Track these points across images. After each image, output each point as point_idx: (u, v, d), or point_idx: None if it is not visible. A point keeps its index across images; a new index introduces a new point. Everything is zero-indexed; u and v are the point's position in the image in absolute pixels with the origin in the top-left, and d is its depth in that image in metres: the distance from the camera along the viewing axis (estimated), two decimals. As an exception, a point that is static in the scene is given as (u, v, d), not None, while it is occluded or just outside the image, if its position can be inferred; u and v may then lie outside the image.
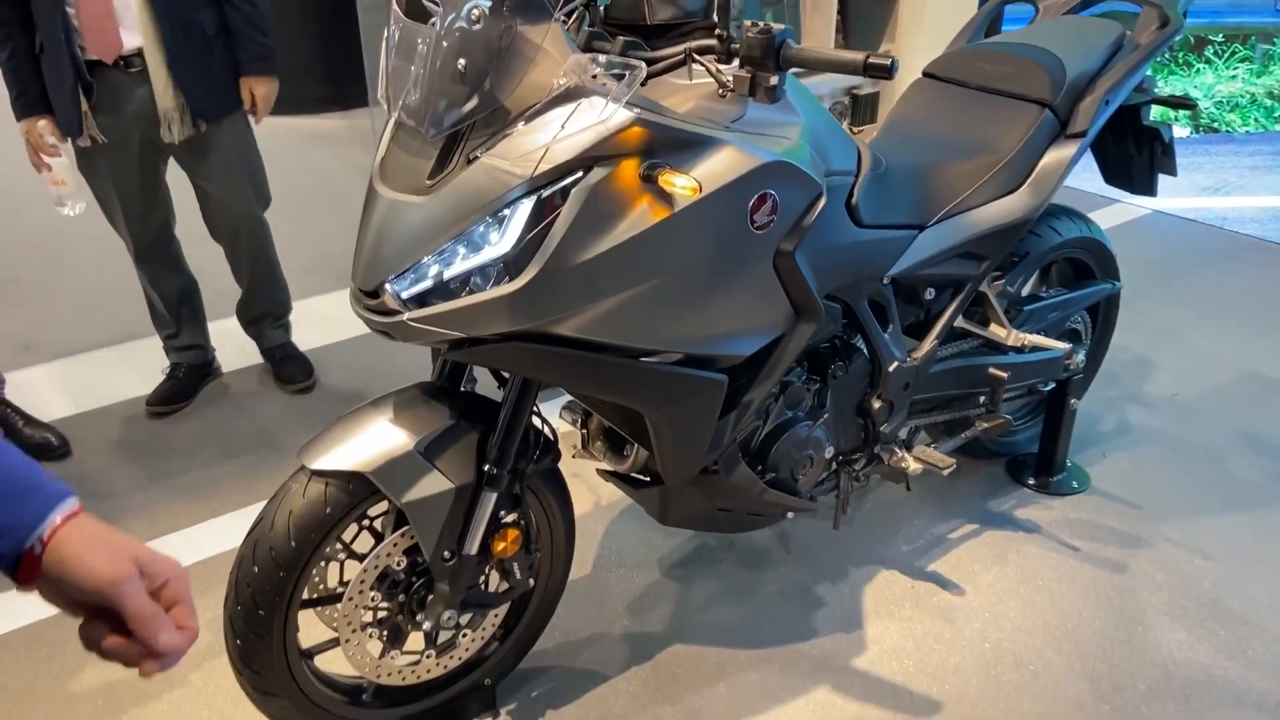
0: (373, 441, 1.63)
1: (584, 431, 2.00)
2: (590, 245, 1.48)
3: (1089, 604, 2.22)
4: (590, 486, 2.58)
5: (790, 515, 2.07)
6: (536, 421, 1.78)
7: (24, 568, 0.77)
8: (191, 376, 3.01)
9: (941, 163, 2.12)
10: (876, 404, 2.09)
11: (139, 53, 2.52)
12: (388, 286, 1.53)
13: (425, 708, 1.87)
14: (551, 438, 1.81)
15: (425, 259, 1.50)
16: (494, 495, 1.69)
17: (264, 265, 2.97)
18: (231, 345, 3.17)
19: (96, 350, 3.33)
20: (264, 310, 3.05)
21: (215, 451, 2.78)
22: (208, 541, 2.41)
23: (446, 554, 1.69)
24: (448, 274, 1.50)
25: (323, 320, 3.45)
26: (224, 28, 2.61)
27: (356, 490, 1.63)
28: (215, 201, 2.81)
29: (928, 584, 2.28)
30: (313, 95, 5.90)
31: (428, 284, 1.51)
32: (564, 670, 2.04)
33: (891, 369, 2.07)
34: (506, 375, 1.72)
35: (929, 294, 2.17)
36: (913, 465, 2.16)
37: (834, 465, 2.13)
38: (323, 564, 1.78)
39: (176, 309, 2.95)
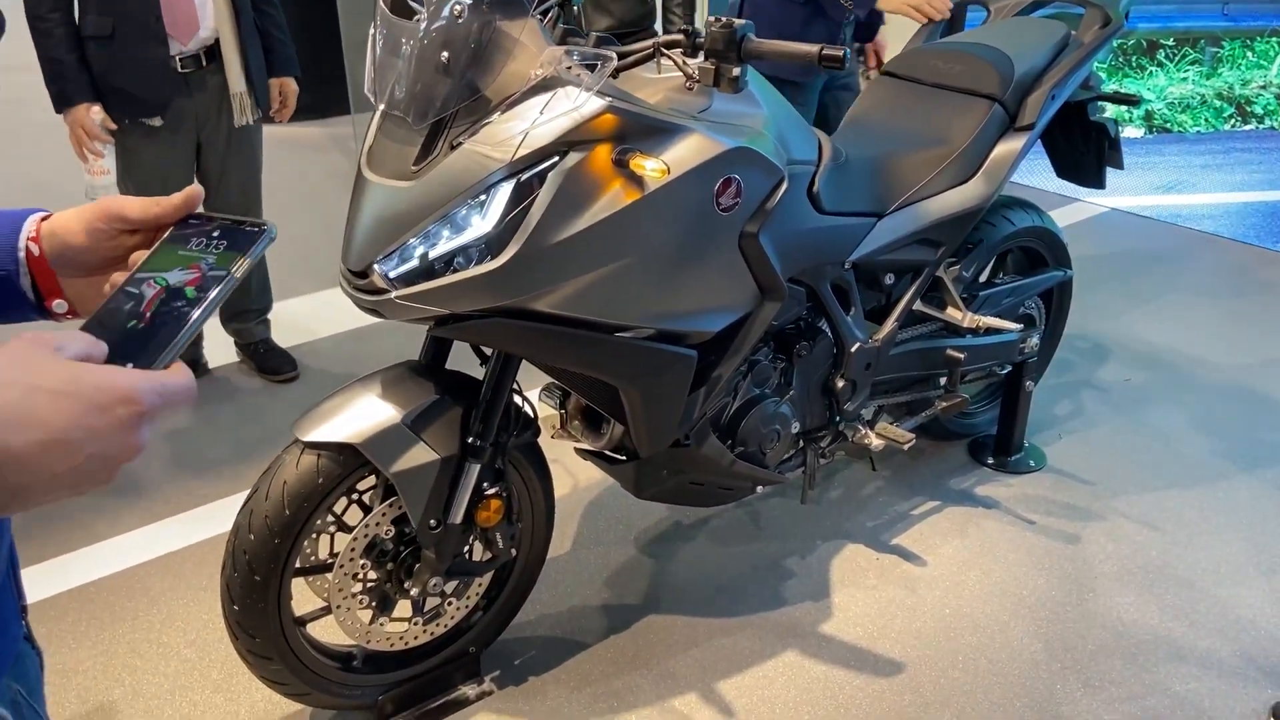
0: (362, 415, 1.72)
1: (562, 412, 2.10)
2: (566, 225, 1.58)
3: (1043, 572, 2.34)
4: (569, 470, 2.68)
5: (759, 489, 2.17)
6: (517, 399, 1.87)
7: (38, 279, 0.81)
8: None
9: (899, 154, 2.24)
10: (840, 383, 2.21)
11: (211, 43, 2.73)
12: (375, 267, 1.62)
13: (413, 674, 1.95)
14: (532, 414, 1.91)
15: (411, 240, 1.60)
16: (477, 466, 1.78)
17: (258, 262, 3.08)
18: (214, 344, 3.25)
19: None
20: (249, 305, 3.13)
21: (208, 439, 2.85)
22: (203, 525, 2.48)
23: (433, 522, 1.78)
24: (432, 254, 1.59)
25: (302, 319, 3.53)
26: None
27: (347, 461, 1.72)
28: (222, 196, 2.93)
29: (892, 556, 2.39)
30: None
31: (413, 264, 1.61)
32: (545, 639, 2.13)
33: (854, 350, 2.19)
34: (488, 352, 1.82)
35: (889, 279, 2.29)
36: (875, 441, 2.27)
37: (800, 442, 2.24)
38: (314, 535, 1.87)
39: None
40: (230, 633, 1.75)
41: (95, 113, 2.61)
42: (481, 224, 1.58)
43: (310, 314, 3.56)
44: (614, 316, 1.68)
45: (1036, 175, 4.88)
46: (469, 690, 2.00)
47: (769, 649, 2.11)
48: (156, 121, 2.71)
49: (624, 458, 2.04)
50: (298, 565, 1.79)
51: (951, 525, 2.51)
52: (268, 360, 3.16)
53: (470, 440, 1.77)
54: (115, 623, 2.18)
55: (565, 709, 1.96)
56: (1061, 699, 2.00)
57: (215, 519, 2.50)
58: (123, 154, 2.76)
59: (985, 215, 2.46)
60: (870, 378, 2.25)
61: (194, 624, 2.18)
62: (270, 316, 3.23)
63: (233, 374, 3.21)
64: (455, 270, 1.60)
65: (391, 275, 1.62)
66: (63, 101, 2.61)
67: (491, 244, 1.58)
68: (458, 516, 1.79)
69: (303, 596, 1.98)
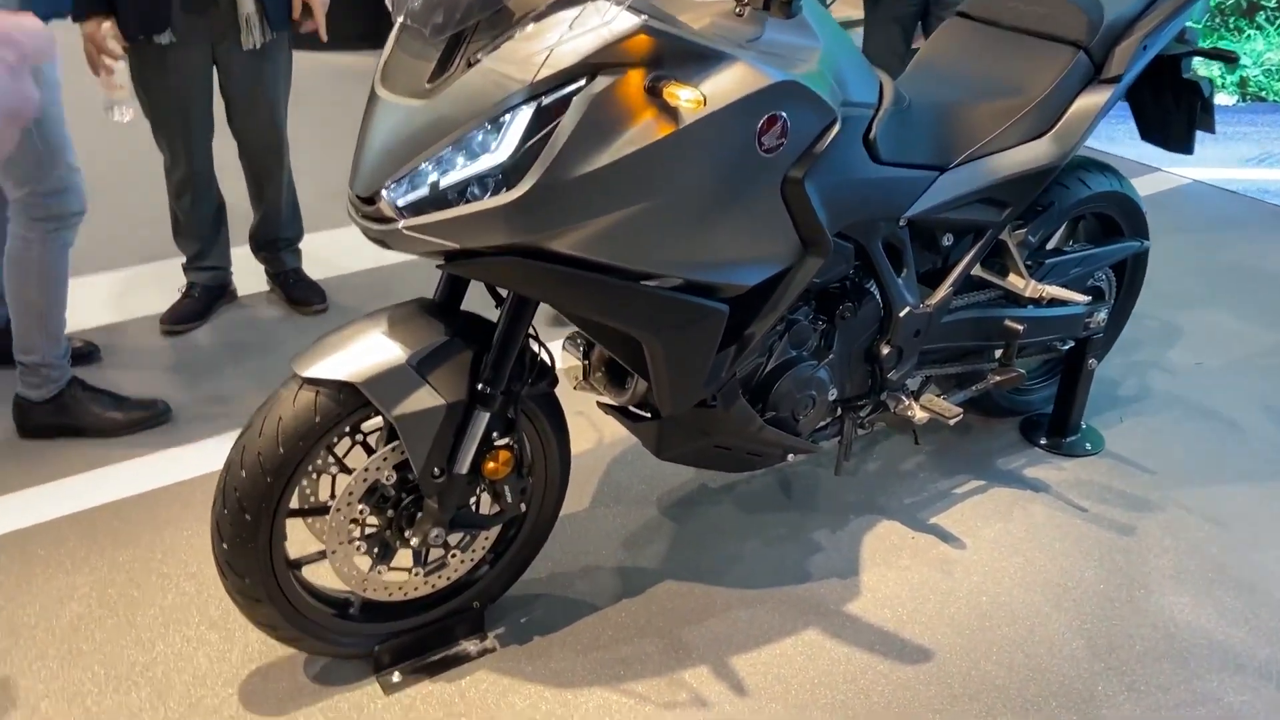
0: (365, 353, 1.61)
1: (586, 363, 1.98)
2: (590, 158, 1.44)
3: (1092, 565, 2.18)
4: (594, 424, 2.56)
5: (789, 457, 2.04)
6: (534, 345, 1.75)
7: None
8: (207, 297, 3.02)
9: (967, 103, 2.05)
10: (885, 350, 2.05)
11: None
12: (384, 193, 1.51)
13: (412, 625, 1.86)
14: (549, 363, 1.79)
15: (422, 165, 1.47)
16: (486, 415, 1.67)
17: (285, 188, 2.99)
18: (243, 271, 3.16)
19: (123, 268, 3.34)
20: (279, 234, 3.04)
21: (230, 368, 2.78)
22: (217, 455, 2.41)
23: (436, 471, 1.67)
24: (444, 182, 1.47)
25: (337, 252, 3.44)
26: None
27: (347, 401, 1.62)
28: (249, 119, 2.83)
29: (928, 536, 2.25)
30: (349, 31, 5.85)
31: (423, 192, 1.48)
32: (554, 599, 2.03)
33: (902, 314, 2.03)
34: (504, 293, 1.69)
35: (947, 239, 2.12)
36: (919, 414, 2.12)
37: (838, 410, 2.10)
38: (314, 475, 1.78)
39: (207, 229, 2.95)
40: (219, 571, 1.67)
41: (107, 28, 2.53)
42: (497, 151, 1.44)
43: (345, 247, 3.46)
44: (639, 263, 1.55)
45: (1113, 139, 4.60)
46: (470, 646, 1.90)
47: (789, 625, 1.99)
48: (166, 38, 2.61)
49: (648, 415, 1.91)
50: (294, 506, 1.70)
51: (996, 507, 2.35)
52: (296, 290, 3.07)
53: (480, 387, 1.65)
54: (116, 549, 2.12)
55: (569, 673, 1.86)
56: (1102, 701, 1.86)
57: (229, 449, 2.43)
58: (137, 71, 2.69)
59: (1059, 176, 2.26)
60: (919, 345, 2.09)
61: (196, 557, 2.11)
62: (301, 246, 3.14)
63: (260, 303, 3.13)
64: (468, 201, 1.47)
65: (400, 203, 1.49)
66: (76, 12, 2.53)
67: (508, 174, 1.45)
68: (463, 466, 1.69)
69: (302, 538, 1.89)
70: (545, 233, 1.46)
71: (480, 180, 1.46)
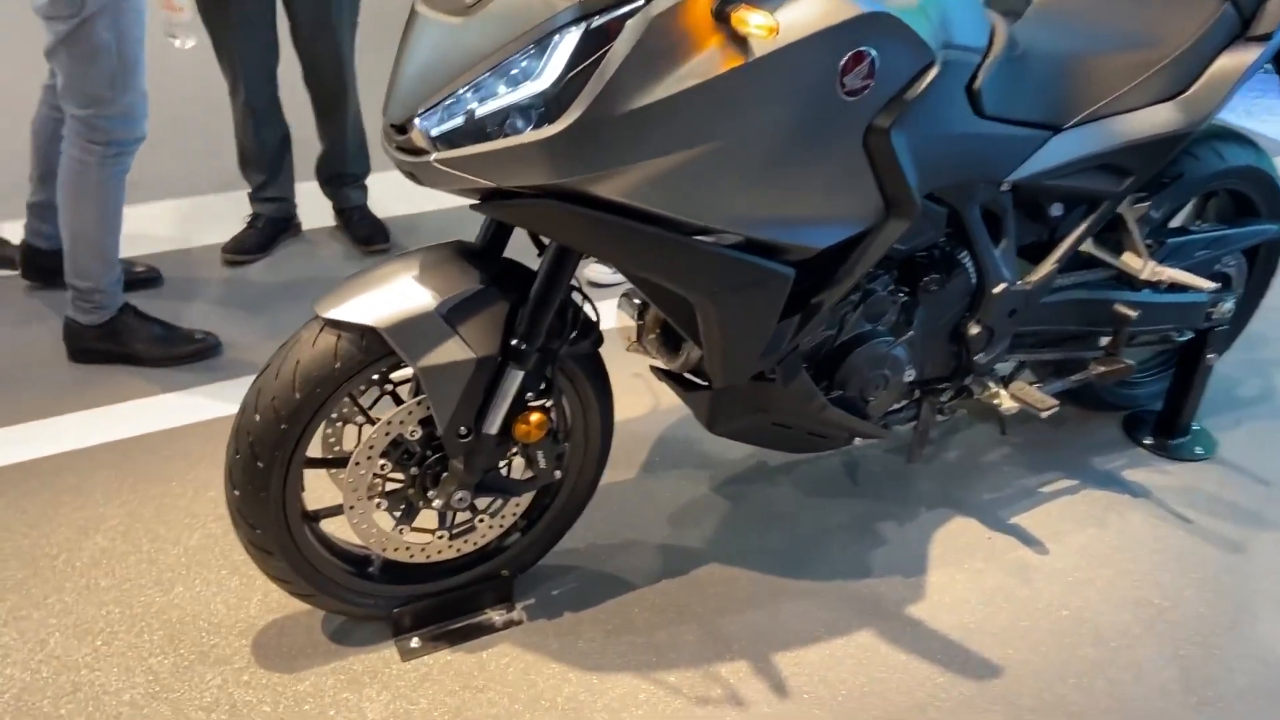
0: (393, 297, 1.48)
1: (640, 323, 1.82)
2: (644, 90, 1.27)
3: (1193, 583, 1.94)
4: (651, 387, 2.40)
5: (856, 441, 1.85)
6: (577, 299, 1.60)
7: None
8: (271, 229, 2.95)
9: (1092, 54, 1.80)
10: (974, 329, 1.84)
11: None
12: (416, 122, 1.36)
13: (435, 590, 1.75)
14: (594, 319, 1.63)
15: (459, 90, 1.32)
16: (520, 374, 1.53)
17: (352, 120, 2.89)
18: (309, 206, 3.08)
19: (193, 196, 3.30)
20: (345, 169, 2.94)
21: (285, 304, 2.71)
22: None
23: (462, 430, 1.54)
24: (481, 111, 1.31)
25: (407, 191, 3.32)
26: None
27: (370, 347, 1.49)
28: (314, 43, 2.73)
29: (1007, 537, 2.04)
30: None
31: (458, 121, 1.33)
32: (589, 572, 1.89)
33: (997, 291, 1.81)
34: (546, 241, 1.54)
35: (1055, 209, 1.88)
36: (1007, 403, 1.90)
37: (915, 392, 1.90)
38: (339, 424, 1.67)
39: (271, 158, 2.87)
40: (232, 519, 1.57)
41: None
42: (541, 77, 1.28)
43: (415, 186, 3.35)
44: (694, 215, 1.37)
45: (1254, 116, 4.19)
46: (496, 616, 1.78)
47: (842, 623, 1.82)
48: None
49: (702, 384, 1.75)
50: (315, 455, 1.58)
51: (1087, 511, 2.12)
52: (360, 228, 2.98)
53: (514, 342, 1.51)
54: (148, 483, 2.06)
55: (597, 654, 1.72)
56: (1191, 742, 1.65)
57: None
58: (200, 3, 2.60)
59: (1190, 145, 2.00)
60: (1013, 327, 1.87)
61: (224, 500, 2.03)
62: (369, 184, 3.04)
63: (324, 239, 3.05)
64: (507, 134, 1.31)
65: (433, 133, 1.35)
66: None
67: (550, 105, 1.29)
68: (492, 427, 1.55)
69: (325, 489, 1.80)
70: (588, 174, 1.30)
71: (521, 111, 1.30)
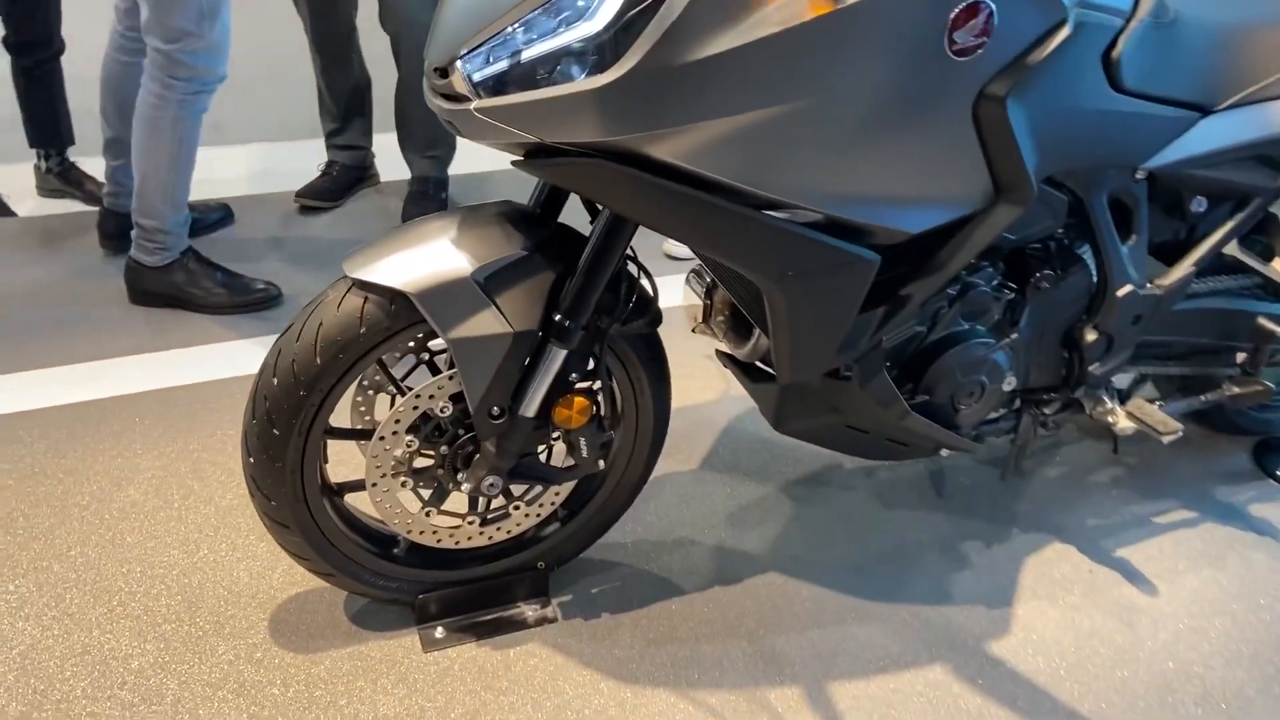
0: (427, 259, 1.34)
1: (707, 303, 1.65)
2: (713, 36, 1.09)
3: (1327, 646, 1.69)
4: (720, 371, 2.22)
5: (943, 452, 1.64)
6: (633, 271, 1.43)
7: None
8: (346, 177, 2.86)
9: (1255, 26, 1.54)
10: (1090, 335, 1.61)
11: None
12: (458, 64, 1.20)
13: (465, 578, 1.62)
14: (651, 295, 1.46)
15: (506, 28, 1.16)
16: (562, 353, 1.37)
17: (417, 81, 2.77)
18: (390, 156, 2.97)
19: (275, 141, 3.24)
20: (413, 131, 2.80)
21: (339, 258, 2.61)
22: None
23: (495, 410, 1.39)
24: (528, 54, 1.15)
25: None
26: None
27: (399, 313, 1.35)
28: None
29: (1110, 572, 1.80)
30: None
31: (502, 65, 1.17)
32: (633, 571, 1.74)
33: (1121, 293, 1.57)
34: (600, 207, 1.37)
35: (1197, 204, 1.63)
36: (1123, 423, 1.67)
37: (1015, 402, 1.68)
38: (370, 392, 1.54)
39: (344, 103, 2.77)
40: (248, 488, 1.46)
41: None
42: (594, 18, 1.11)
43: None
44: (766, 186, 1.19)
45: None
46: (529, 611, 1.64)
47: (912, 655, 1.62)
48: None
49: (770, 376, 1.57)
50: (336, 425, 1.46)
51: (1205, 548, 1.87)
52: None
53: (558, 317, 1.35)
54: (189, 435, 1.98)
55: (634, 663, 1.57)
56: (1312, 835, 1.41)
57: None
58: None
59: (1369, 138, 1.71)
60: (1137, 335, 1.64)
61: (266, 457, 1.94)
62: (442, 154, 2.87)
63: (403, 191, 2.94)
64: (555, 83, 1.15)
65: (474, 78, 1.19)
66: None
67: (604, 50, 1.11)
68: (530, 409, 1.40)
69: (357, 460, 1.67)
70: (644, 132, 1.13)
71: (572, 56, 1.14)
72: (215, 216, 2.73)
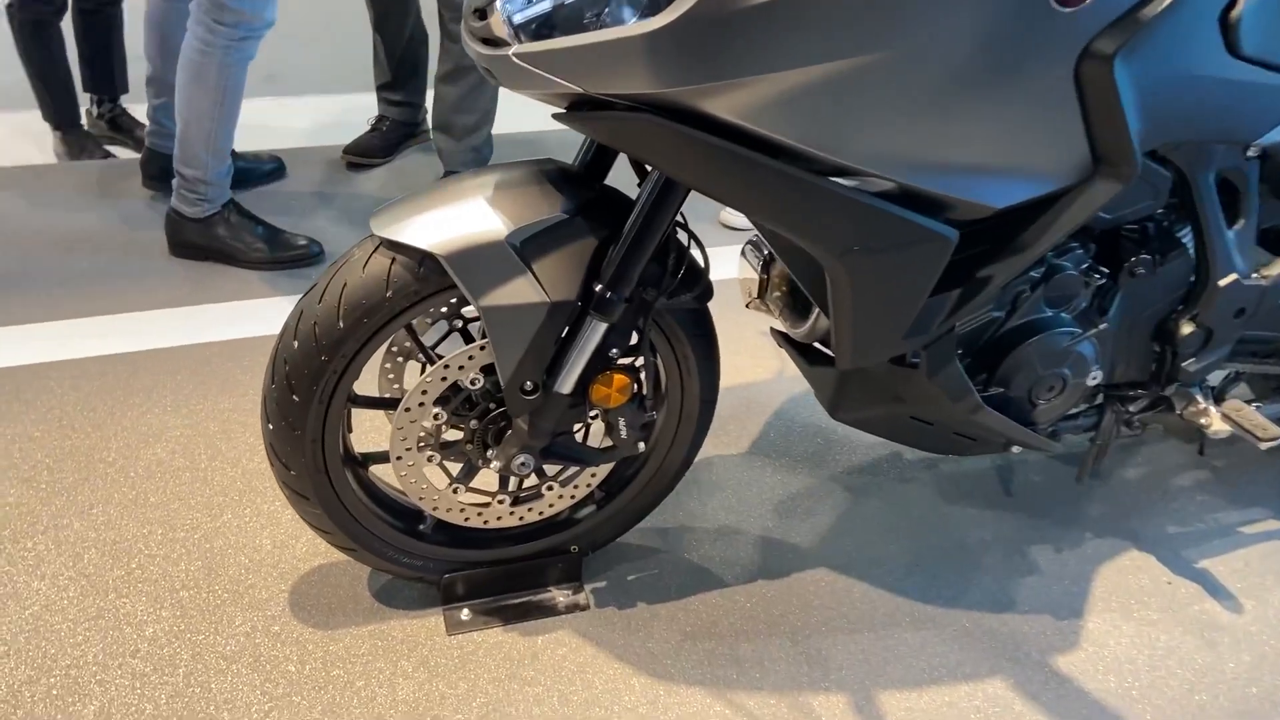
0: (460, 219, 1.24)
1: (764, 277, 1.52)
2: (778, -23, 0.96)
3: None
4: (778, 352, 2.10)
5: (1014, 449, 1.51)
6: (684, 241, 1.31)
7: None
8: (396, 133, 2.77)
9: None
10: (1187, 328, 1.46)
11: None
12: (498, 5, 1.09)
13: (494, 559, 1.53)
14: (702, 267, 1.34)
15: None
16: (603, 326, 1.26)
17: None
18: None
19: (329, 94, 3.17)
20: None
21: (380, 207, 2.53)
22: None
23: (528, 385, 1.29)
24: (572, -6, 1.03)
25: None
26: None
27: (427, 276, 1.25)
28: None
29: (1192, 585, 1.66)
30: None
31: (546, 6, 1.06)
32: (672, 560, 1.64)
33: (1224, 283, 1.42)
34: (649, 168, 1.25)
35: (1316, 187, 1.47)
36: (1216, 425, 1.52)
37: (1097, 398, 1.53)
38: (401, 360, 1.45)
39: (398, 58, 2.68)
40: (267, 455, 1.38)
41: None
42: (646, -45, 0.99)
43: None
44: (833, 150, 1.06)
45: None
46: (560, 596, 1.55)
47: (970, 666, 1.50)
48: None
49: (829, 359, 1.45)
50: (358, 393, 1.37)
51: (1299, 564, 1.71)
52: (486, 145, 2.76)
53: (599, 287, 1.24)
54: (220, 393, 1.92)
55: (669, 659, 1.47)
56: None
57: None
58: None
59: None
60: (1239, 330, 1.48)
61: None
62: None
63: (452, 147, 2.84)
64: (604, 27, 1.03)
65: (515, 20, 1.08)
66: None
67: (658, -9, 0.99)
68: (565, 385, 1.30)
69: (384, 430, 1.59)
70: (700, 85, 1.01)
71: (621, -2, 1.02)
72: (268, 167, 2.67)
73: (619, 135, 1.09)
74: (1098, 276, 1.40)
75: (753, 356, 2.08)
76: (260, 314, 2.15)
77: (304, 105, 3.08)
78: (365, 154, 2.71)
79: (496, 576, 1.54)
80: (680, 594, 1.58)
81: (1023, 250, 1.21)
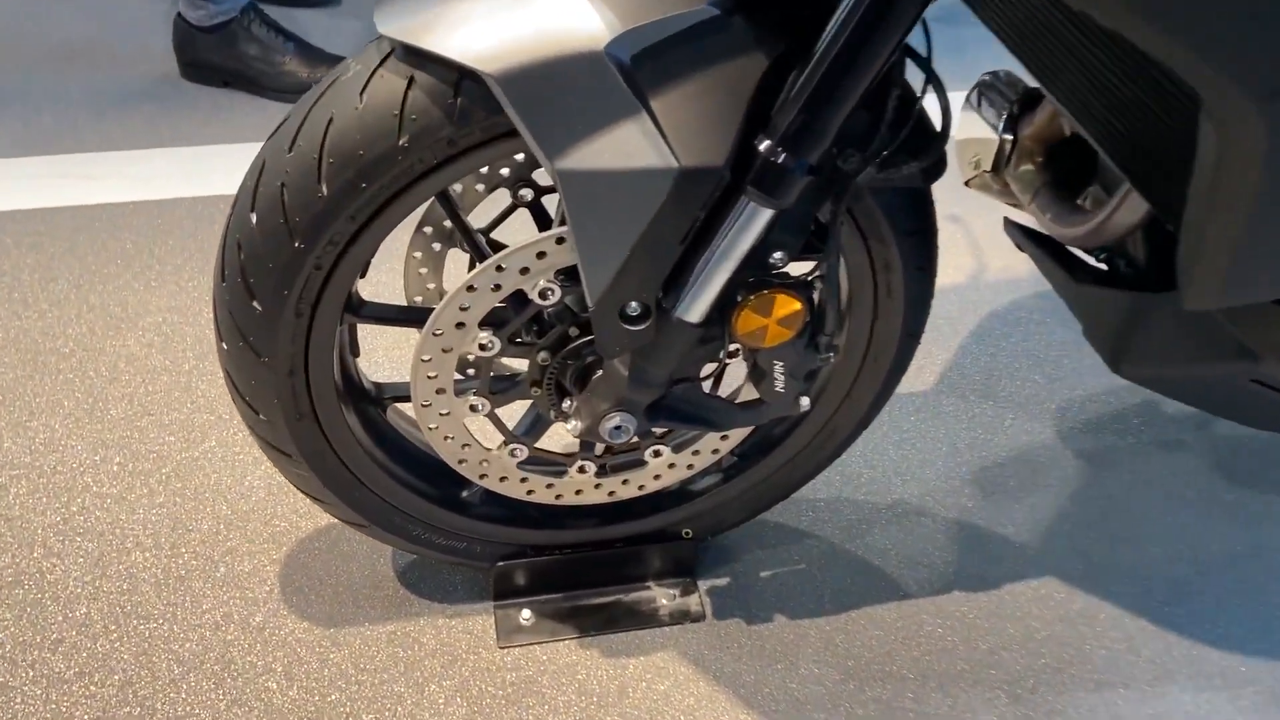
0: (526, 12, 0.70)
1: (1008, 138, 0.97)
2: None
3: None
4: (974, 247, 1.53)
5: None
6: (900, 85, 0.75)
7: None
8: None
9: None
10: None
11: None
12: None
13: (568, 541, 1.05)
14: (930, 133, 0.78)
15: None
16: (766, 213, 0.73)
17: None
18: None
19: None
20: None
21: None
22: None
23: (634, 307, 0.77)
24: None
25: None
26: None
27: (469, 110, 0.73)
28: None
29: None
30: None
31: None
32: (825, 552, 1.13)
33: None
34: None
35: None
36: None
37: None
38: (436, 246, 0.95)
39: None
40: (228, 390, 0.90)
41: None
42: None
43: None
44: None
45: None
46: (662, 599, 1.07)
47: (1275, 752, 0.98)
48: None
49: (1111, 275, 0.90)
50: (365, 298, 0.88)
51: None
52: None
53: (764, 146, 0.70)
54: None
55: (825, 707, 0.99)
56: None
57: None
58: None
59: None
60: None
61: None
62: None
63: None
64: None
65: None
66: None
67: None
68: (695, 310, 0.78)
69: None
70: None
71: None
72: None
73: None
74: None
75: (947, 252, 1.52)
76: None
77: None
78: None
79: (571, 566, 1.05)
80: (838, 604, 1.08)
81: None
